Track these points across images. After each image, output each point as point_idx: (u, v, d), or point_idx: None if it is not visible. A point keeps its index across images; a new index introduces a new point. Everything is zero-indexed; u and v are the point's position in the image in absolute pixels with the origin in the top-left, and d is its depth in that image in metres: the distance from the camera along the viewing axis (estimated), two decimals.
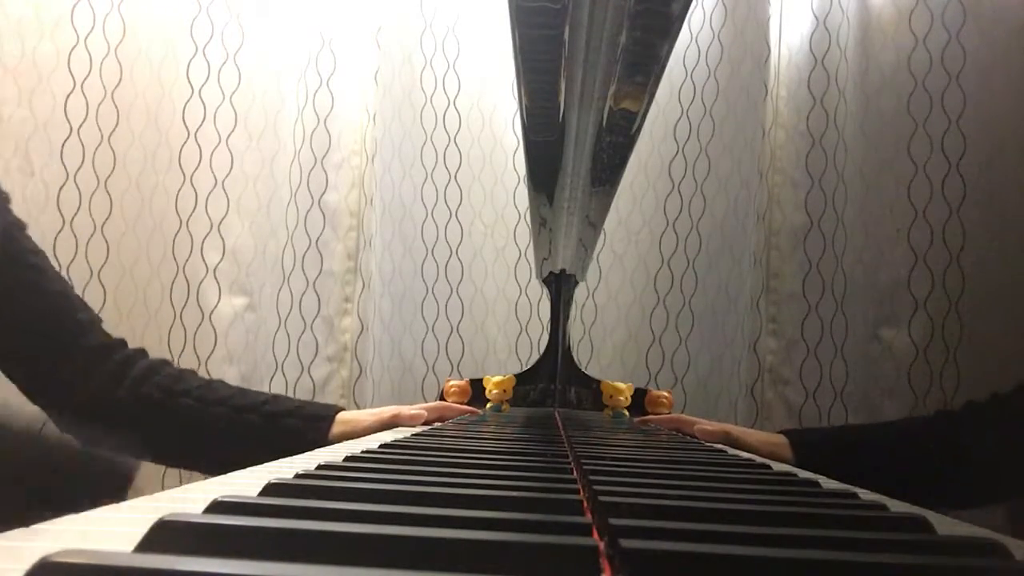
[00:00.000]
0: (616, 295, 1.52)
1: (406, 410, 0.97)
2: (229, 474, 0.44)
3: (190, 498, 0.36)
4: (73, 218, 1.34)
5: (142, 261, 1.37)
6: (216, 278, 1.37)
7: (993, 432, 0.81)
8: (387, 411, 0.97)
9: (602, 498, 0.32)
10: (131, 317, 1.33)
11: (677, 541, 0.24)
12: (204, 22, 1.38)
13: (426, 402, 1.08)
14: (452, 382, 1.17)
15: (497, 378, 1.13)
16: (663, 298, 1.51)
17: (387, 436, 0.80)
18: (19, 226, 0.93)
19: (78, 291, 1.05)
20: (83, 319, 0.95)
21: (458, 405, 1.07)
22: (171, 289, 1.36)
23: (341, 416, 0.95)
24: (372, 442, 0.68)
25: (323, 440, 0.91)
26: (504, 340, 1.53)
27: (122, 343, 0.98)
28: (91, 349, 0.94)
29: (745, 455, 0.74)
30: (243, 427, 0.91)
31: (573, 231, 0.91)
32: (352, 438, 0.89)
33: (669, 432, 0.99)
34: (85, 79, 1.35)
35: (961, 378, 1.36)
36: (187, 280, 1.37)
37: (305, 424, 0.92)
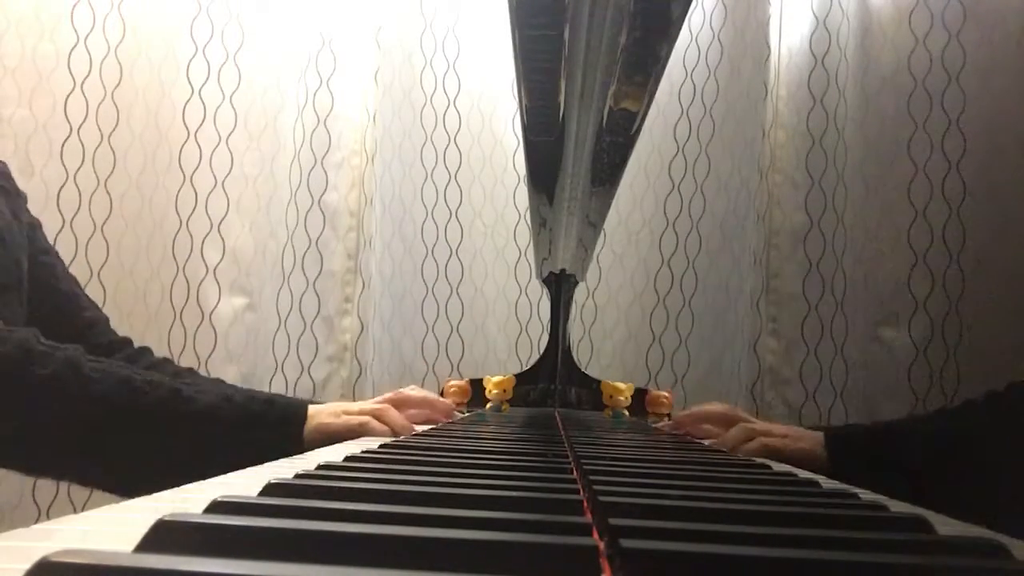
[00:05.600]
0: (616, 295, 1.52)
1: (393, 415, 0.86)
2: (229, 474, 0.44)
3: (190, 498, 0.36)
4: (73, 218, 1.34)
5: (142, 261, 1.37)
6: (216, 278, 1.37)
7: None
8: (366, 407, 0.87)
9: (602, 498, 0.32)
10: (131, 317, 1.33)
11: (677, 541, 0.24)
12: (204, 22, 1.38)
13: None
14: (452, 382, 1.16)
15: (497, 378, 1.13)
16: (663, 298, 1.51)
17: (386, 436, 0.80)
18: (35, 226, 0.94)
19: None
20: (90, 317, 0.97)
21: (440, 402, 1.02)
22: (171, 289, 1.36)
23: (310, 415, 0.85)
24: (372, 442, 0.68)
25: (298, 444, 0.81)
26: (504, 340, 1.53)
27: (127, 341, 1.00)
28: (97, 347, 0.95)
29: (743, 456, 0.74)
30: (212, 437, 0.81)
31: (573, 231, 0.91)
32: (323, 438, 0.82)
33: (669, 432, 0.99)
34: (85, 79, 1.35)
35: (961, 378, 1.36)
36: (187, 280, 1.37)
37: (273, 431, 0.82)
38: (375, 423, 0.83)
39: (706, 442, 0.88)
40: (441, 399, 1.04)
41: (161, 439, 0.76)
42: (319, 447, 0.78)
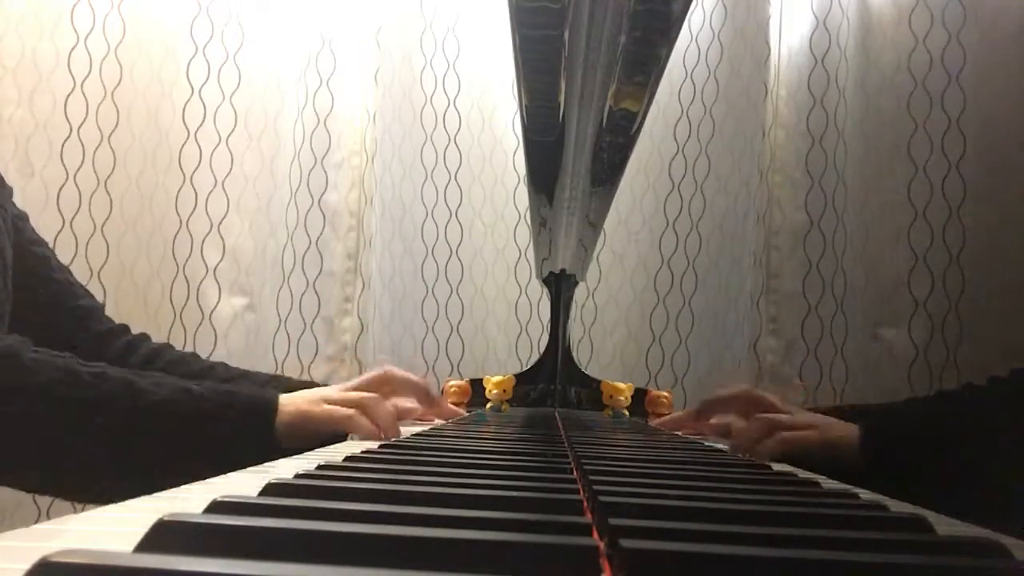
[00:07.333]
0: (616, 295, 1.52)
1: (381, 410, 0.77)
2: (229, 474, 0.44)
3: (190, 498, 0.36)
4: (73, 218, 1.34)
5: (142, 261, 1.37)
6: (216, 278, 1.37)
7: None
8: (351, 397, 0.79)
9: (602, 498, 0.32)
10: (131, 317, 1.32)
11: (677, 541, 0.24)
12: (204, 22, 1.38)
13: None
14: (452, 382, 1.17)
15: (497, 378, 1.13)
16: (663, 298, 1.51)
17: (371, 436, 0.75)
18: (23, 217, 0.95)
19: None
20: (86, 306, 0.97)
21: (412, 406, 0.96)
22: (171, 289, 1.36)
23: (282, 405, 0.75)
24: (372, 442, 0.68)
25: (269, 436, 0.73)
26: (504, 340, 1.52)
27: (124, 328, 1.00)
28: (95, 335, 0.95)
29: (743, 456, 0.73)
30: (170, 432, 0.72)
31: (573, 231, 0.91)
32: (302, 428, 0.74)
33: (669, 432, 0.99)
34: (85, 79, 1.35)
35: (961, 378, 1.36)
36: (187, 280, 1.37)
37: (238, 423, 0.73)
38: (362, 420, 0.75)
39: (716, 443, 0.87)
40: (426, 389, 0.96)
41: (113, 435, 0.68)
42: (298, 439, 0.72)
